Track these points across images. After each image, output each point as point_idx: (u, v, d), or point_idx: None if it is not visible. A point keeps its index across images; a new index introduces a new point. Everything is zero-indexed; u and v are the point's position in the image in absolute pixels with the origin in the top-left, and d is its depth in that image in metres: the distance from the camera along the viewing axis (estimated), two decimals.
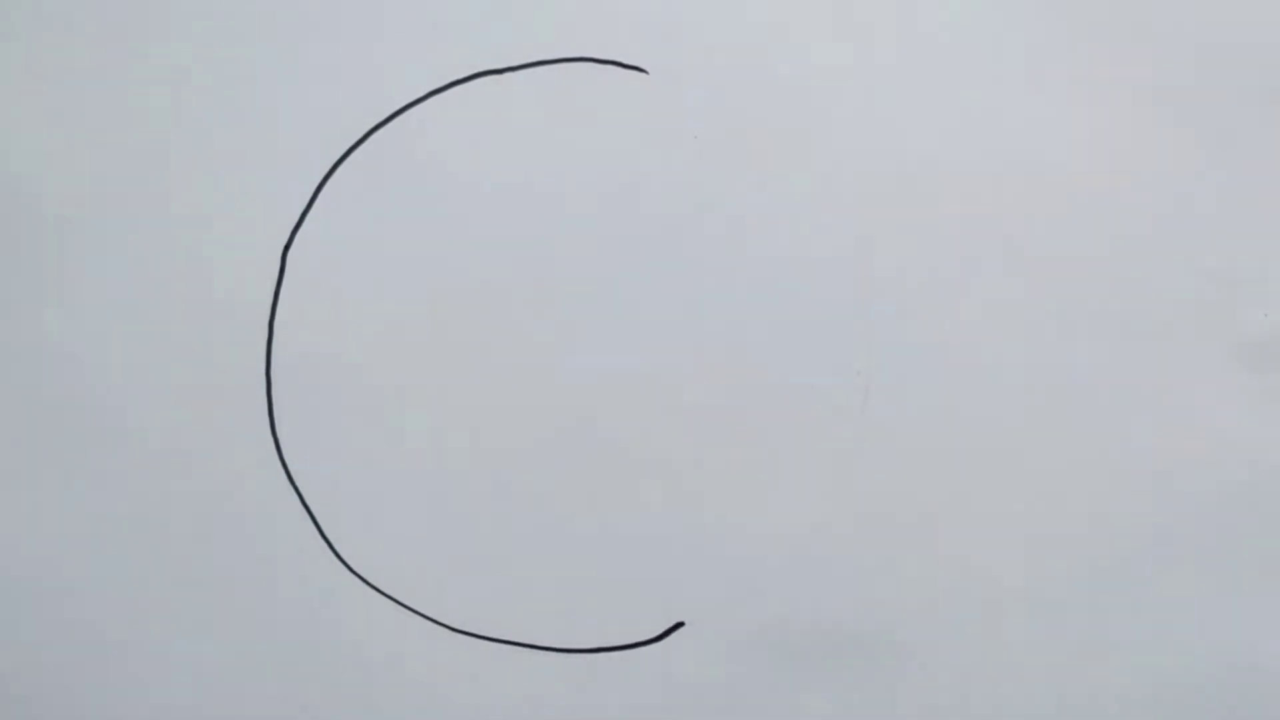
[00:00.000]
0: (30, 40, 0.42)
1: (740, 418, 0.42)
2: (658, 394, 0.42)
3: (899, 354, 0.43)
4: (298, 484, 0.43)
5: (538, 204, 0.43)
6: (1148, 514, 0.44)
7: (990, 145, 0.43)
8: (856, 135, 0.43)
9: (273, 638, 0.43)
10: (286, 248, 0.42)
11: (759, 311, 0.43)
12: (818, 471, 0.42)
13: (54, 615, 0.43)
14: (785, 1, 0.43)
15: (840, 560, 0.43)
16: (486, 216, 0.43)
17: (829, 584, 0.43)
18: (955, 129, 0.43)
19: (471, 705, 0.43)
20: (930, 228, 0.43)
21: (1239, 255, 0.44)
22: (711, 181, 0.43)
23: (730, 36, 0.43)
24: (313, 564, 0.43)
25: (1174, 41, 0.43)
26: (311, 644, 0.43)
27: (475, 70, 0.43)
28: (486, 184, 0.43)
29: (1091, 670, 0.43)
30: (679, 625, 0.43)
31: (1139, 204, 0.44)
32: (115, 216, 0.42)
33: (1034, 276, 0.43)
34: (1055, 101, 0.43)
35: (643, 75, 0.43)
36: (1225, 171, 0.43)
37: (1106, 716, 0.44)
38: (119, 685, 0.43)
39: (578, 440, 0.43)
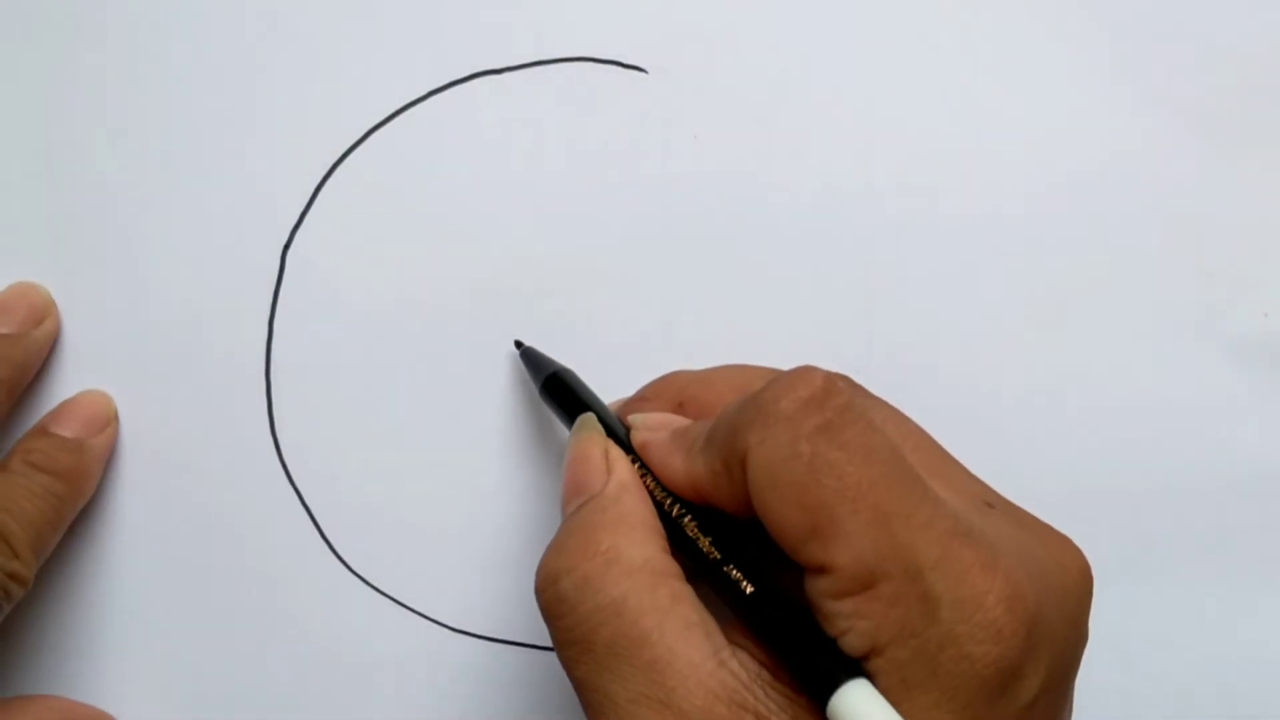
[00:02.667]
0: (29, 39, 0.42)
1: None
2: None
3: (899, 354, 0.43)
4: (298, 484, 0.43)
5: (537, 204, 0.43)
6: (1147, 514, 0.44)
7: (990, 145, 0.43)
8: (857, 135, 0.43)
9: (272, 637, 0.43)
10: (286, 248, 0.42)
11: (759, 311, 0.43)
12: None
13: (52, 614, 0.43)
14: (785, 1, 0.43)
15: None
16: (486, 216, 0.43)
17: None
18: (955, 128, 0.43)
19: (472, 705, 0.43)
20: (930, 227, 0.43)
21: (1239, 255, 0.44)
22: (711, 181, 0.43)
23: (730, 36, 0.43)
24: (313, 564, 0.43)
25: (1175, 41, 0.43)
26: (311, 644, 0.43)
27: (475, 70, 0.43)
28: (486, 184, 0.43)
29: (1090, 669, 0.43)
30: None
31: (1139, 204, 0.44)
32: (114, 216, 0.42)
33: (1034, 276, 0.43)
34: (1056, 101, 0.43)
35: (643, 75, 0.43)
36: (1225, 171, 0.44)
37: (1106, 715, 0.44)
38: (117, 685, 0.43)
39: None
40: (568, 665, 0.32)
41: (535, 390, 0.40)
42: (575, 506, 0.34)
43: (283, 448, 0.43)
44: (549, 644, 0.43)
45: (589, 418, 0.37)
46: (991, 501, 0.33)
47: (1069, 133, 0.43)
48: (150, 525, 0.43)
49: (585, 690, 0.32)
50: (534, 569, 0.43)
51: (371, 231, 0.43)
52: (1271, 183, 0.44)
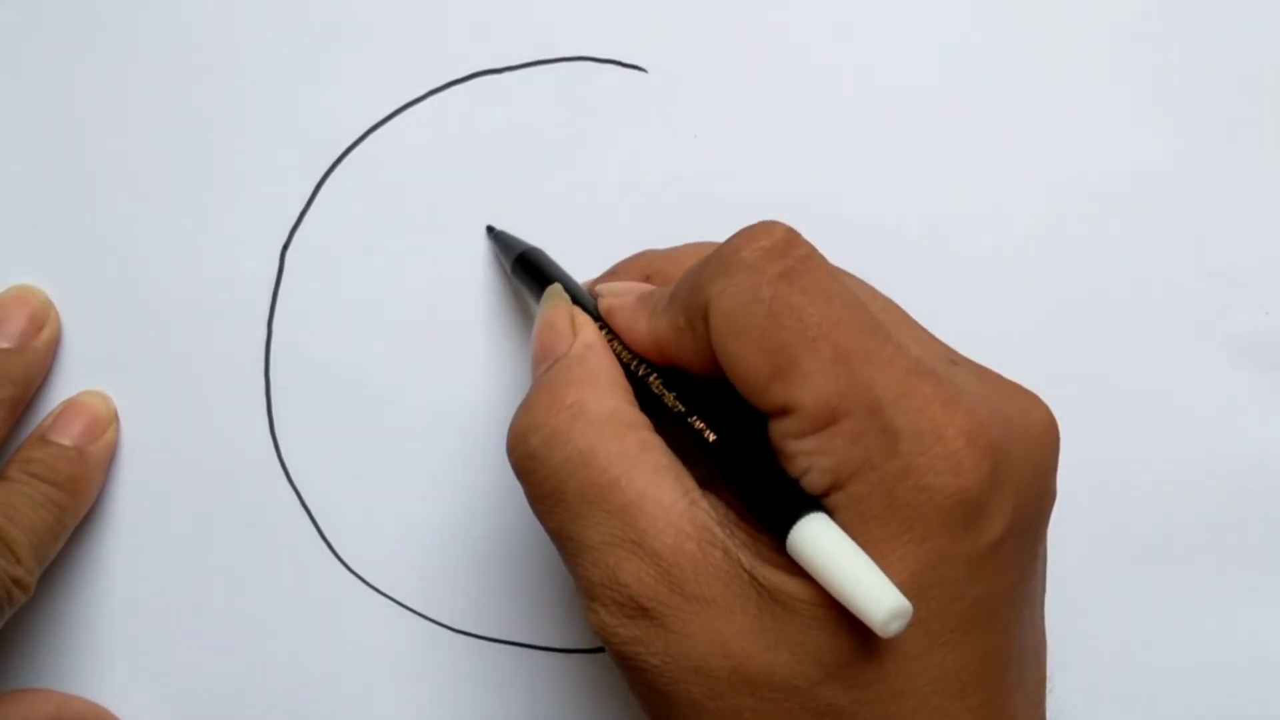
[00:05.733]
0: (28, 40, 0.42)
1: None
2: None
3: None
4: (297, 484, 0.43)
5: (537, 204, 0.43)
6: (1147, 513, 0.44)
7: (990, 145, 0.43)
8: (856, 135, 0.43)
9: (272, 637, 0.43)
10: (286, 248, 0.42)
11: None
12: None
13: (52, 612, 0.43)
14: (786, 1, 0.43)
15: None
16: (486, 216, 0.43)
17: None
18: (955, 128, 0.43)
19: (472, 705, 0.43)
20: (930, 227, 0.43)
21: (1239, 255, 0.44)
22: (711, 181, 0.43)
23: (730, 36, 0.43)
24: (312, 564, 0.43)
25: (1175, 41, 0.43)
26: (311, 644, 0.43)
27: (474, 70, 0.43)
28: (486, 184, 0.43)
29: (1090, 669, 0.44)
30: None
31: (1139, 203, 0.44)
32: (114, 216, 0.42)
33: (1034, 276, 0.43)
34: (1055, 101, 0.43)
35: (642, 75, 0.43)
36: (1225, 171, 0.43)
37: (1106, 714, 0.44)
38: (117, 684, 0.43)
39: None
40: (542, 518, 0.33)
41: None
42: (543, 369, 0.35)
43: (282, 448, 0.43)
44: (549, 644, 0.43)
45: (555, 288, 0.37)
46: (955, 360, 0.34)
47: (1069, 133, 0.43)
48: (150, 525, 0.43)
49: (559, 539, 0.33)
50: (533, 569, 0.43)
51: (371, 231, 0.43)
52: (1271, 182, 0.44)
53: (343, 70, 0.42)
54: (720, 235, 0.43)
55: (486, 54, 0.42)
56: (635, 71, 0.43)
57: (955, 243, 0.43)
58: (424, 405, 0.42)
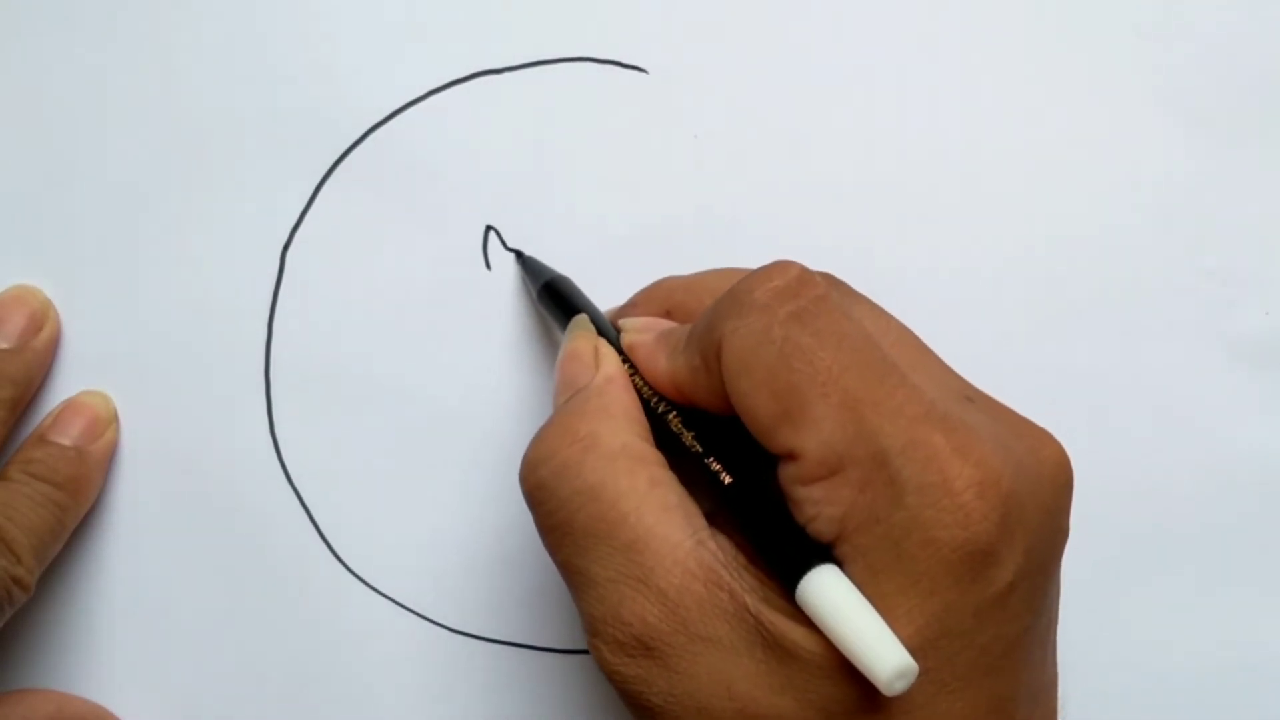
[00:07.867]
0: (29, 39, 0.42)
1: None
2: None
3: None
4: (297, 484, 0.43)
5: (537, 204, 0.43)
6: (1147, 513, 0.44)
7: (990, 145, 0.43)
8: (856, 135, 0.43)
9: (271, 638, 0.43)
10: (286, 248, 0.42)
11: None
12: None
13: (52, 612, 0.43)
14: (785, 2, 0.43)
15: None
16: (486, 216, 0.43)
17: None
18: (955, 128, 0.43)
19: (471, 705, 0.43)
20: (929, 227, 0.43)
21: (1239, 255, 0.44)
22: (711, 181, 0.43)
23: (730, 36, 0.43)
24: (312, 564, 0.43)
25: (1174, 40, 0.43)
26: (311, 644, 0.43)
27: (475, 70, 0.43)
28: (486, 184, 0.43)
29: (1091, 669, 0.44)
30: None
31: (1139, 203, 0.44)
32: (114, 216, 0.42)
33: (1033, 276, 0.43)
34: (1055, 101, 0.43)
35: (643, 75, 0.43)
36: (1225, 171, 0.44)
37: (1106, 714, 0.44)
38: (117, 684, 0.43)
39: None
40: (550, 550, 0.33)
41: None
42: (563, 400, 0.35)
43: (282, 448, 0.43)
44: (549, 644, 0.43)
45: (582, 319, 0.37)
46: (971, 396, 0.33)
47: (1069, 133, 0.43)
48: (150, 525, 0.43)
49: (567, 572, 0.33)
50: (533, 570, 0.43)
51: (371, 231, 0.43)
52: (1271, 182, 0.44)
53: (342, 70, 0.42)
54: (719, 237, 0.43)
55: (486, 54, 0.42)
56: (635, 72, 0.43)
57: (955, 243, 0.43)
58: (424, 405, 0.42)
